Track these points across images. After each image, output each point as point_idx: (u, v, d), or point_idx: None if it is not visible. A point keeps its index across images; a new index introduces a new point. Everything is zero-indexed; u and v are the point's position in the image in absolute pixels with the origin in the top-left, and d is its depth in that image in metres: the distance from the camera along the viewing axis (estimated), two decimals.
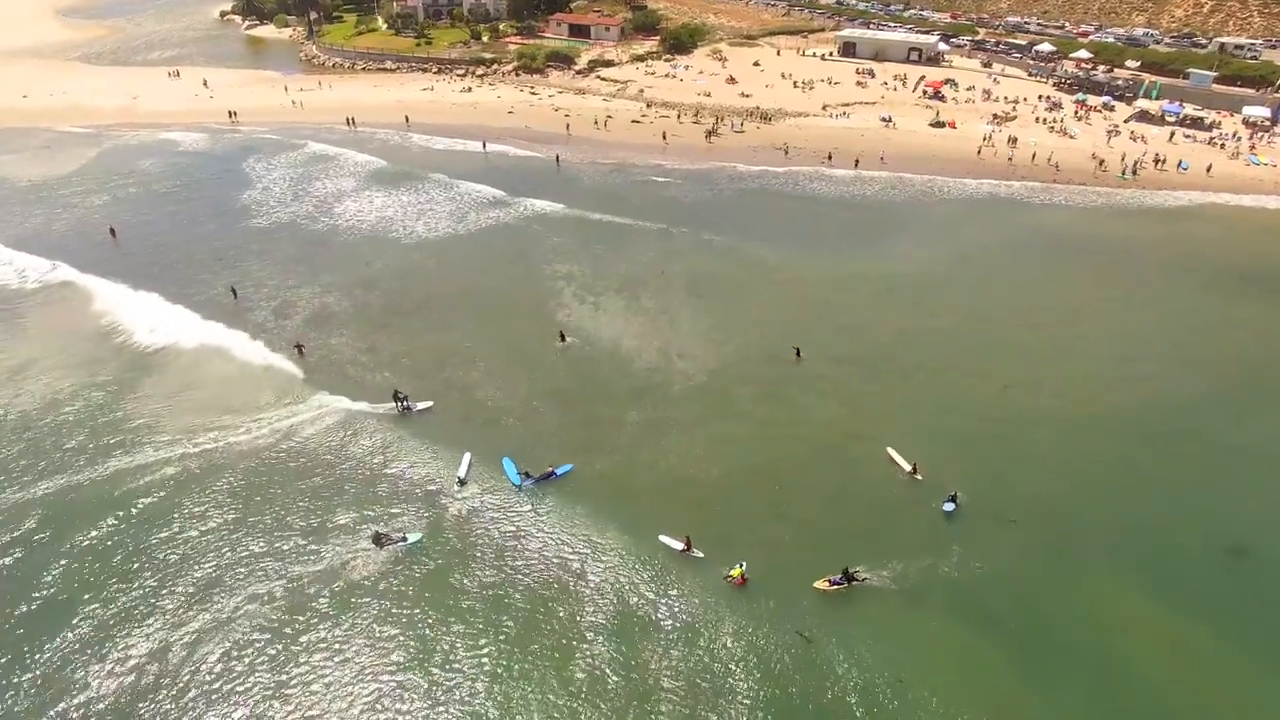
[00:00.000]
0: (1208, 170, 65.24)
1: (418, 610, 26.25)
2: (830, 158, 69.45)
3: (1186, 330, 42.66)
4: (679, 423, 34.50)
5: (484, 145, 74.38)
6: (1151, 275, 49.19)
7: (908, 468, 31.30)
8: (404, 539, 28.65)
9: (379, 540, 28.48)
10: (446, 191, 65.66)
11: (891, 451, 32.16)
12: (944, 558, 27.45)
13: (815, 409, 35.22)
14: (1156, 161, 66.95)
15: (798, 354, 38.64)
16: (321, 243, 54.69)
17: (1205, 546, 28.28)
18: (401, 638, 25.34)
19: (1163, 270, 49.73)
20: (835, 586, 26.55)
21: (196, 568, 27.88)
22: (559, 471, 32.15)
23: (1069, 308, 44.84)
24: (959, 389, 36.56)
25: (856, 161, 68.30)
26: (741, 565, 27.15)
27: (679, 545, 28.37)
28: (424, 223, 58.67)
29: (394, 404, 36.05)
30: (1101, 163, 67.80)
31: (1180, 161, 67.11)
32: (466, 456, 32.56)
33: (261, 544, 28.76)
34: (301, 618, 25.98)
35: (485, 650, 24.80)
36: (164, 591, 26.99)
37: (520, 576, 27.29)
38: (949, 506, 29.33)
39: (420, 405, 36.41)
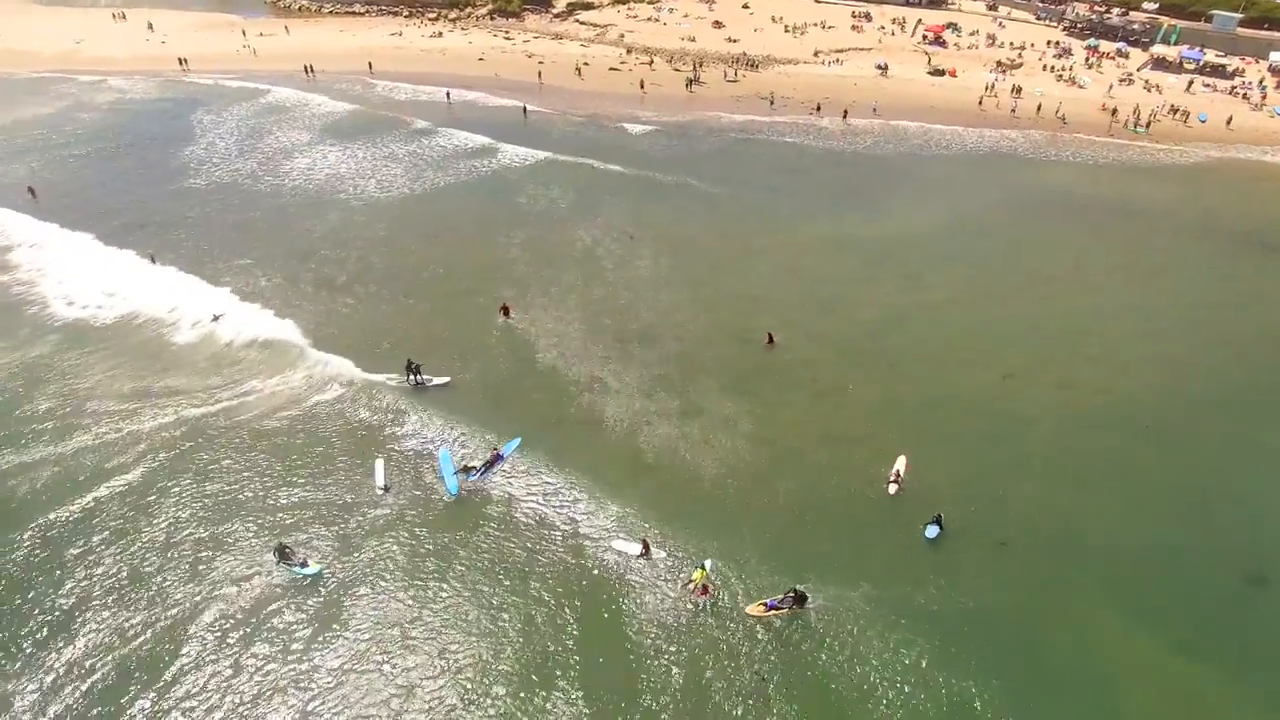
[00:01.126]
0: (1228, 123, 59.25)
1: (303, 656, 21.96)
2: (819, 109, 63.31)
3: (1207, 305, 37.64)
4: (628, 420, 29.72)
5: (448, 95, 68.12)
6: (1166, 240, 43.91)
7: (893, 480, 26.71)
8: (304, 564, 24.45)
9: (283, 555, 24.26)
10: (405, 145, 59.81)
11: (901, 463, 27.26)
12: (921, 587, 23.03)
13: (785, 405, 30.28)
14: (1174, 112, 60.97)
15: (770, 339, 33.63)
16: (261, 206, 49.06)
17: (1222, 574, 23.80)
18: (276, 683, 21.17)
19: (1179, 235, 44.46)
20: (773, 611, 22.44)
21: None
22: (505, 451, 27.97)
23: (1076, 278, 39.73)
24: (952, 379, 31.64)
25: (845, 113, 62.19)
26: (704, 567, 23.15)
27: (636, 549, 24.31)
28: (377, 182, 53.06)
29: (406, 376, 31.47)
30: (1114, 112, 61.85)
31: (1199, 113, 61.20)
32: (379, 464, 28.05)
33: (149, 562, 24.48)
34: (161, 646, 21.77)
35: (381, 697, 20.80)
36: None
37: (441, 600, 23.14)
38: (932, 531, 24.81)
39: (437, 380, 31.84)
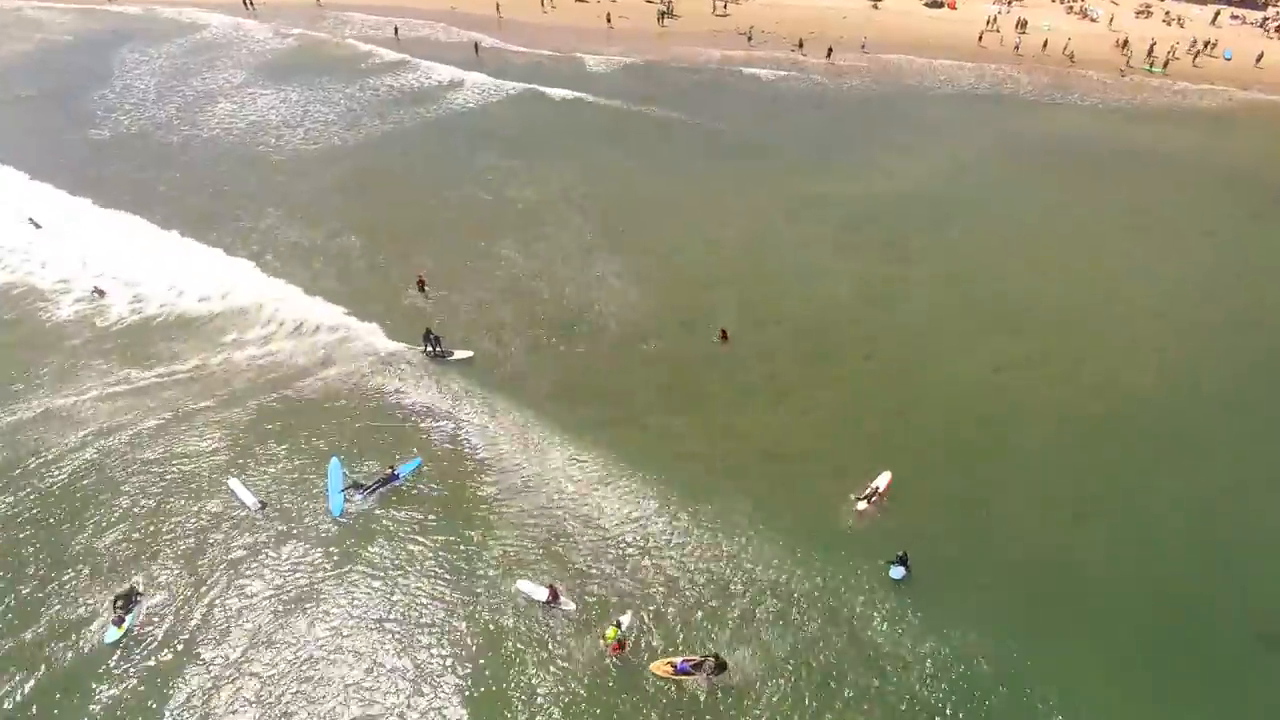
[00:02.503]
0: (1257, 60, 51.93)
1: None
2: (801, 45, 55.82)
3: (1230, 274, 31.78)
4: (543, 436, 24.35)
5: (396, 32, 60.49)
6: (1184, 197, 37.71)
7: (865, 498, 21.90)
8: (137, 600, 19.81)
9: (124, 603, 19.63)
10: (344, 87, 52.79)
11: (883, 481, 22.42)
12: (874, 652, 18.40)
13: (734, 412, 24.87)
14: (1196, 47, 53.82)
15: (724, 336, 27.74)
16: (168, 161, 42.50)
17: (1234, 630, 18.95)
18: None
19: (1199, 191, 38.22)
20: (682, 675, 17.97)
21: None
22: (402, 471, 23.20)
23: (1082, 244, 33.69)
24: (934, 373, 26.26)
25: (829, 51, 54.81)
26: (619, 624, 18.71)
27: (542, 595, 19.74)
28: (305, 130, 46.49)
29: (424, 346, 27.56)
30: (1125, 45, 54.67)
31: (1224, 50, 54.05)
32: (235, 484, 22.90)
33: None
34: None
35: None
36: None
37: (297, 658, 18.44)
38: (897, 573, 20.00)
39: (459, 353, 27.77)
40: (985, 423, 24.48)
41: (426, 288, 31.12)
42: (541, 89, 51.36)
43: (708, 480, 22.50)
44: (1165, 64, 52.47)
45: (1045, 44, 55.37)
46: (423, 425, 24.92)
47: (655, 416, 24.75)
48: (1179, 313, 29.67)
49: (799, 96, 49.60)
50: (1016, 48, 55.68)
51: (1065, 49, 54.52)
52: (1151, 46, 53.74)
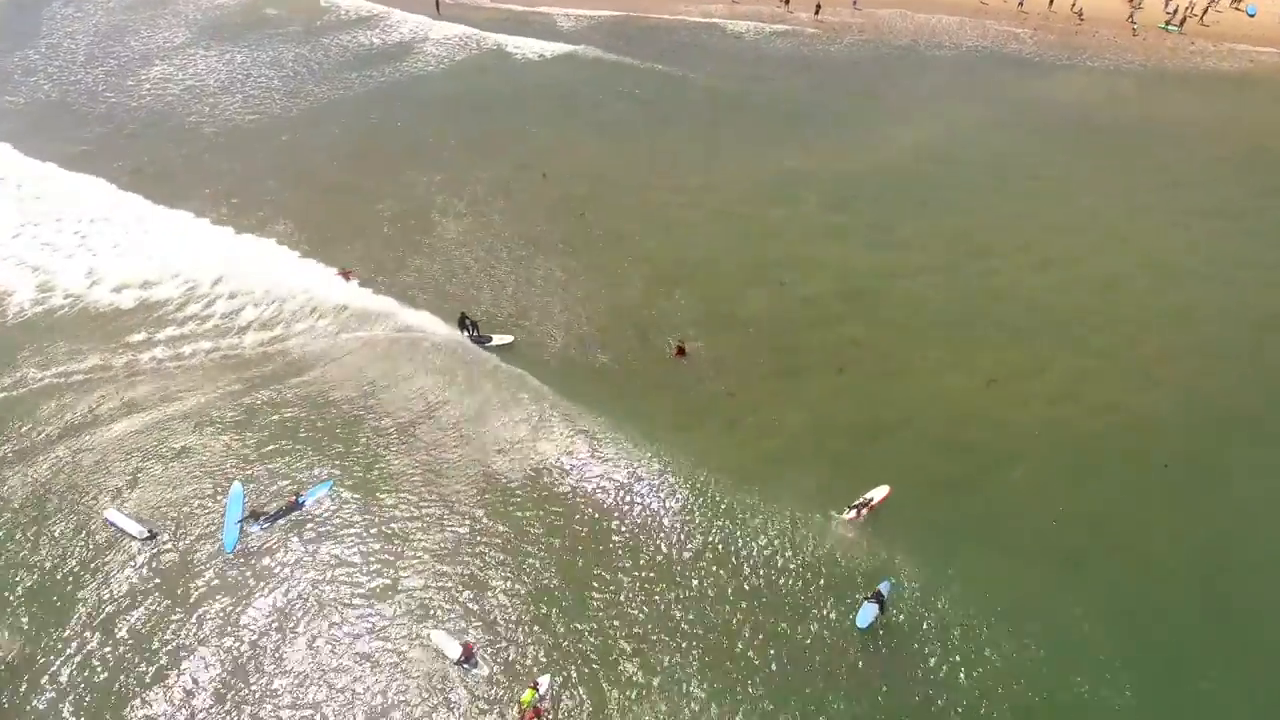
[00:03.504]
0: None
1: None
2: (788, 1, 51.02)
3: (1253, 265, 27.73)
4: (465, 468, 20.78)
5: None
6: (1207, 176, 33.40)
7: (859, 506, 19.00)
8: None
9: None
10: (295, 47, 48.26)
11: (878, 494, 19.51)
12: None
13: (687, 434, 21.17)
14: (1216, 3, 48.87)
15: (680, 352, 23.82)
16: (85, 134, 38.24)
17: (1248, 690, 15.96)
18: None
19: (1222, 169, 33.76)
20: None
21: None
22: (308, 498, 19.96)
23: (1091, 231, 29.41)
24: (918, 390, 22.50)
25: (817, 7, 49.78)
26: (536, 689, 15.74)
27: (456, 651, 16.63)
28: (245, 98, 42.01)
29: (462, 331, 24.74)
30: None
31: (1247, 5, 49.02)
32: (114, 514, 19.65)
33: None
34: None
35: None
36: None
37: None
38: (868, 614, 16.74)
39: (498, 339, 24.84)
40: (969, 451, 20.61)
41: (351, 277, 27.52)
42: (501, 52, 46.77)
43: (653, 523, 19.13)
44: (1182, 21, 47.58)
45: (1051, 1, 50.38)
46: (333, 443, 21.47)
47: (601, 444, 21.26)
48: (1197, 313, 25.78)
49: (783, 58, 44.90)
50: (1021, 4, 50.56)
51: (1074, 5, 49.46)
52: (1167, 1, 48.79)
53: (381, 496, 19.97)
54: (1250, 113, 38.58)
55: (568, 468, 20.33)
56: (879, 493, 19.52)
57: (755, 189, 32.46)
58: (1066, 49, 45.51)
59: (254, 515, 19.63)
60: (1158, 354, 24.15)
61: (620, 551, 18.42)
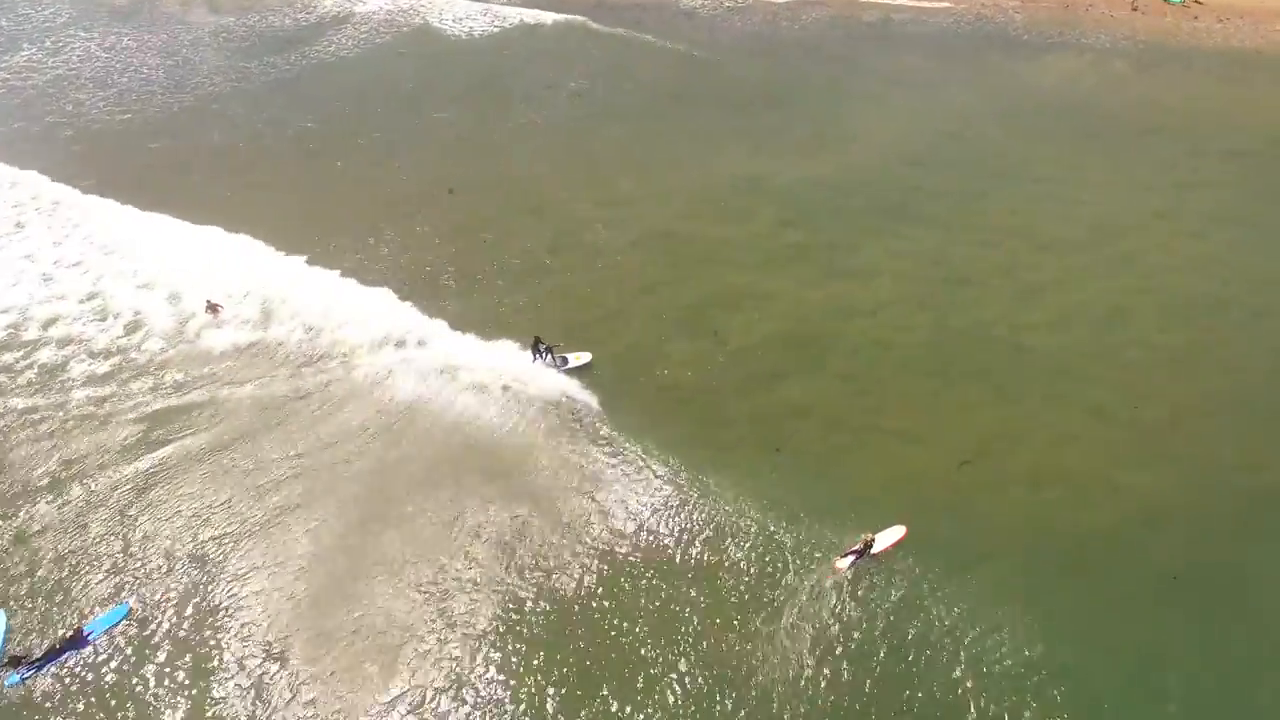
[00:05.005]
0: None
1: None
2: None
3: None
4: (294, 579, 16.20)
5: None
6: (1220, 172, 28.34)
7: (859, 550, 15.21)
8: None
9: None
10: (190, 33, 42.52)
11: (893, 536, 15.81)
12: None
13: (574, 565, 16.14)
14: None
15: (602, 402, 19.27)
16: None
17: None
18: None
19: (1236, 164, 28.91)
20: None
21: None
22: (95, 629, 15.41)
23: (1091, 246, 24.70)
24: (872, 472, 17.73)
25: None
26: None
27: None
28: (120, 92, 36.34)
29: (534, 357, 20.63)
30: None
31: None
32: None
33: None
34: None
35: None
36: None
37: None
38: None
39: (574, 359, 20.90)
40: (931, 558, 15.95)
41: (219, 311, 22.78)
42: (435, 27, 41.44)
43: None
44: None
45: None
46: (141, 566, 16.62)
47: (487, 560, 16.56)
48: (1214, 356, 21.10)
49: (740, 38, 39.68)
50: None
51: None
52: None
53: (192, 623, 15.29)
54: (1263, 97, 33.87)
55: None
56: (890, 536, 15.84)
57: (699, 199, 27.52)
58: (1058, 25, 40.50)
59: (14, 661, 14.99)
60: (1166, 414, 19.48)
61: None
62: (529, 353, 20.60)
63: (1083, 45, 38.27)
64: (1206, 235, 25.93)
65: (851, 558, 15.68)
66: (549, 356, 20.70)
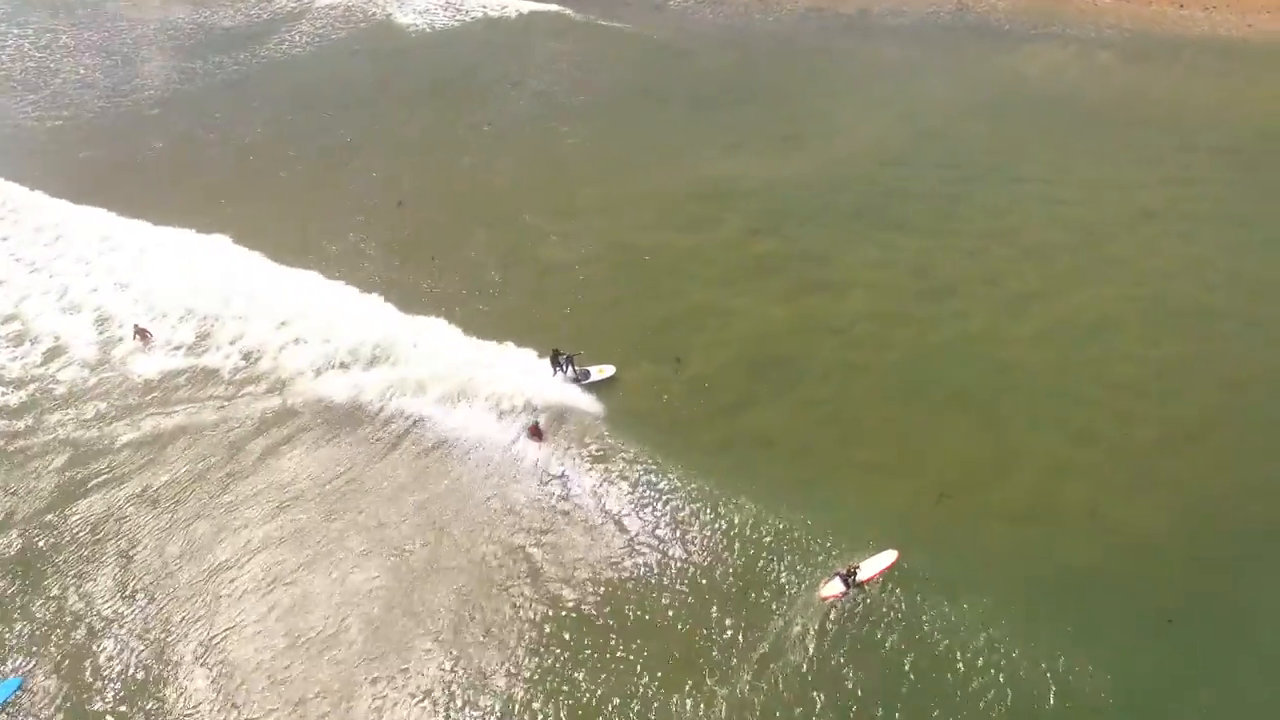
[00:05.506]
0: None
1: None
2: None
3: None
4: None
5: None
6: (1209, 168, 26.95)
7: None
8: None
9: None
10: (134, 30, 40.54)
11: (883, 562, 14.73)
12: None
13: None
14: None
15: (535, 432, 17.85)
16: None
17: None
18: None
19: (1226, 160, 27.47)
20: None
21: None
22: None
23: (1079, 250, 23.35)
24: (849, 502, 16.25)
25: None
26: None
27: None
28: (54, 93, 34.36)
29: (554, 370, 19.18)
30: None
31: None
32: None
33: None
34: None
35: None
36: None
37: None
38: None
39: (597, 372, 19.35)
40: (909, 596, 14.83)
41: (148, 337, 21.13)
42: (396, 22, 39.78)
43: None
44: None
45: None
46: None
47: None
48: (1208, 370, 19.56)
49: (710, 31, 37.99)
50: None
51: None
52: None
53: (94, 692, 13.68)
54: (1251, 90, 32.57)
55: None
56: (881, 561, 14.72)
57: (663, 207, 25.93)
58: (1040, 14, 39.07)
59: None
60: (1158, 436, 18.16)
61: None
62: (549, 365, 19.14)
63: (1066, 35, 36.87)
64: (1196, 236, 24.65)
65: (839, 583, 14.41)
66: (570, 369, 19.20)
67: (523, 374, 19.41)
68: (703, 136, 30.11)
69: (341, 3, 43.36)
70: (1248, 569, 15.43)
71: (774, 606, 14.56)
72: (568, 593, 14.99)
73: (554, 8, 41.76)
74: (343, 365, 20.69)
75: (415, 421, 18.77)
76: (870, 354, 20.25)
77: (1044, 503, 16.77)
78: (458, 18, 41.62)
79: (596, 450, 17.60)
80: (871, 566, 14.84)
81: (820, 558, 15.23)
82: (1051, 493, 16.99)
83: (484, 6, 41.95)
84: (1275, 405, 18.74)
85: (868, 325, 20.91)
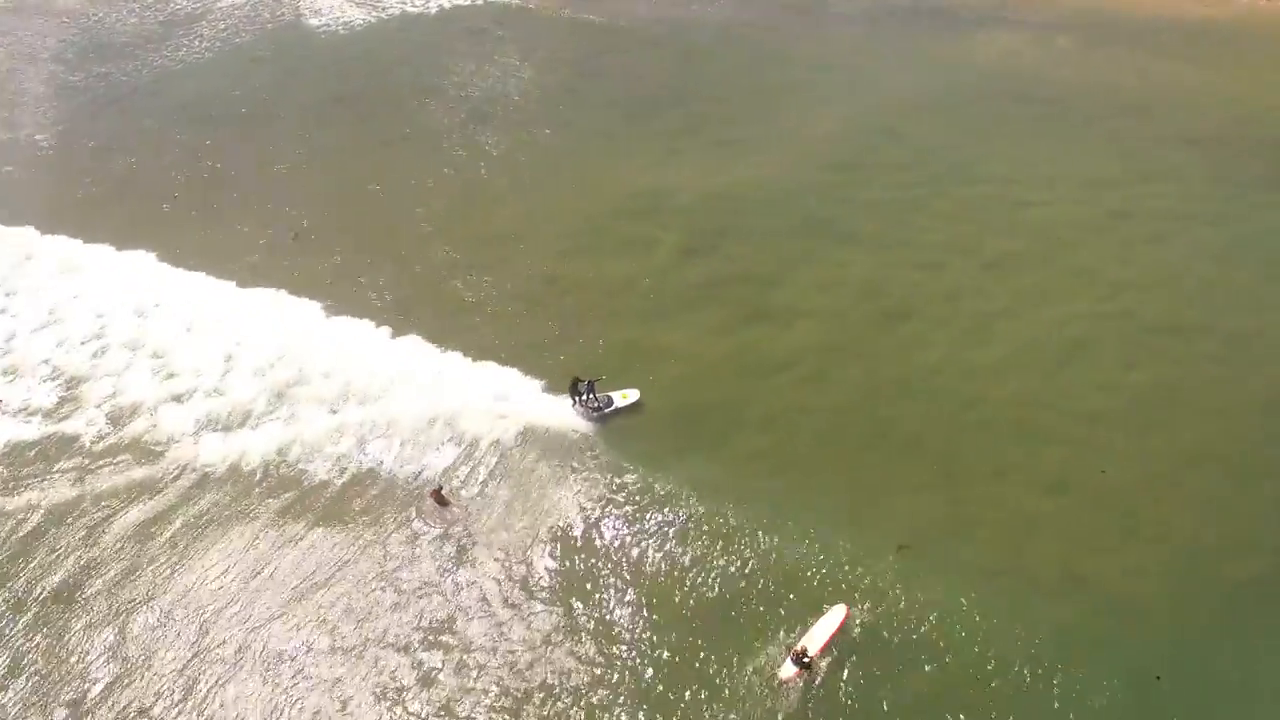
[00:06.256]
0: None
1: None
2: None
3: (1270, 300, 20.22)
4: None
5: None
6: (1178, 161, 25.21)
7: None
8: None
9: None
10: (3, 38, 36.68)
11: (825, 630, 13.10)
12: None
13: None
14: None
15: (438, 497, 15.62)
16: None
17: None
18: None
19: (1195, 152, 25.70)
20: None
21: None
22: None
23: (1044, 260, 21.37)
24: (790, 566, 14.19)
25: None
26: None
27: None
28: None
29: (573, 400, 17.38)
30: None
31: None
32: None
33: None
34: None
35: None
36: None
37: None
38: None
39: (620, 398, 17.63)
40: (862, 659, 12.74)
41: None
42: (307, 21, 36.69)
43: None
44: None
45: None
46: None
47: None
48: (1188, 398, 17.66)
49: (641, 20, 35.39)
50: None
51: None
52: None
53: None
54: (1218, 74, 30.86)
55: None
56: (827, 626, 13.25)
57: (590, 228, 23.43)
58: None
59: None
60: (1137, 480, 16.24)
61: None
62: (568, 395, 17.37)
63: (1022, 20, 34.95)
64: (1169, 239, 22.88)
65: (791, 665, 12.87)
66: (590, 397, 17.30)
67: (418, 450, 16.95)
68: (636, 142, 27.64)
69: (246, 1, 39.99)
70: (1238, 630, 13.70)
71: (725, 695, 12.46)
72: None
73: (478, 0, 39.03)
74: (220, 428, 18.04)
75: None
76: (818, 395, 18.07)
77: (1012, 561, 14.90)
78: (374, 14, 38.55)
79: (494, 523, 15.28)
80: (821, 633, 13.28)
81: (773, 628, 13.17)
82: (1020, 547, 15.15)
83: (403, 3, 38.90)
84: (1259, 438, 16.97)
85: (815, 361, 18.71)
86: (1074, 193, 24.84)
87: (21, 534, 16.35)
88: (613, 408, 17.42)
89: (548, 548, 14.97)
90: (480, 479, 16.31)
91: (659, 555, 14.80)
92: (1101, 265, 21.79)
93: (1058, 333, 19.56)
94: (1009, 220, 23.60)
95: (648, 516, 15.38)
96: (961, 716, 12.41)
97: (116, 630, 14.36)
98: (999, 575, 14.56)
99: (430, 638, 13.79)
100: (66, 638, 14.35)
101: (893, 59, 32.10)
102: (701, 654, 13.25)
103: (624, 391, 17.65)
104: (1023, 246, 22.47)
